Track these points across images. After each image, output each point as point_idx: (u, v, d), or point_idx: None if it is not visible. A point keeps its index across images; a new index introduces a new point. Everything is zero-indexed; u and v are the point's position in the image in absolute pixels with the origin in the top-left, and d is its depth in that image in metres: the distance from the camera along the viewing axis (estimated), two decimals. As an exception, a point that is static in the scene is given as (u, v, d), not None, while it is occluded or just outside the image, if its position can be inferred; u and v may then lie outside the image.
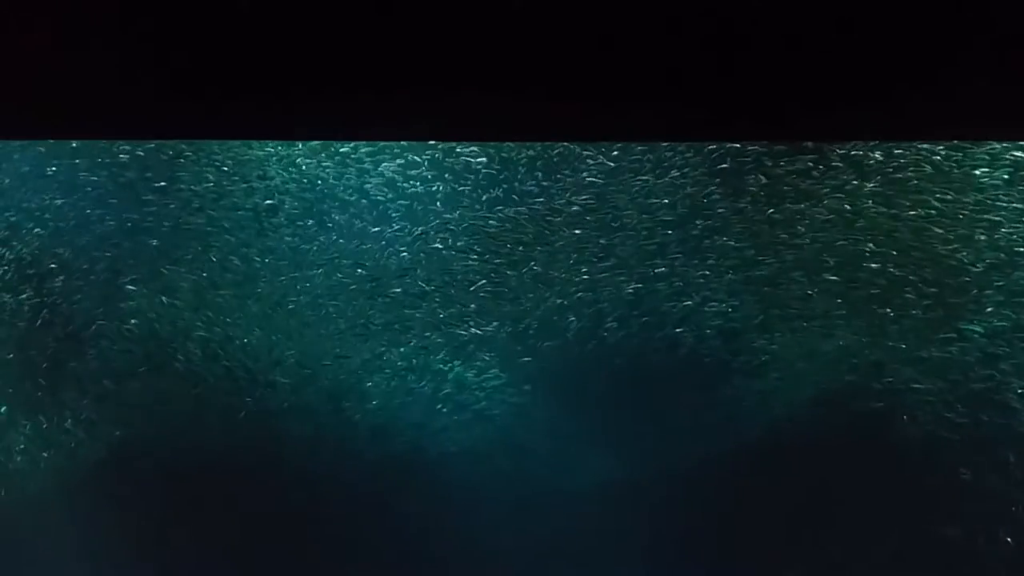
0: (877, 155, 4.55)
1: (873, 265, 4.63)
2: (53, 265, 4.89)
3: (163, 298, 4.85)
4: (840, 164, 4.61)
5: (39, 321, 4.89)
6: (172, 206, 4.89)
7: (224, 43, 2.28)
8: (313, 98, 2.37)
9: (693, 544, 4.66)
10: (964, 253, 4.63)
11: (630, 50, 2.24)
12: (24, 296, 4.86)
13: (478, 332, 4.81)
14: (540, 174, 4.76)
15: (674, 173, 4.65)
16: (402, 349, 4.84)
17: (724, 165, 4.62)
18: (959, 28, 2.15)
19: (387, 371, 4.83)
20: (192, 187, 4.90)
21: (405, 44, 2.27)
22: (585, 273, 4.72)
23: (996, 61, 2.16)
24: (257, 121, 2.53)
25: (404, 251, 4.82)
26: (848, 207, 4.64)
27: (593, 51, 2.28)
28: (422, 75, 2.32)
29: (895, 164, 4.60)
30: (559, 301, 4.75)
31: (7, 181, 4.88)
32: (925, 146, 4.52)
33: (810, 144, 4.49)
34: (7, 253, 4.88)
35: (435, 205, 4.79)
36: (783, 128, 2.54)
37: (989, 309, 4.59)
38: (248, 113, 2.42)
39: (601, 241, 4.74)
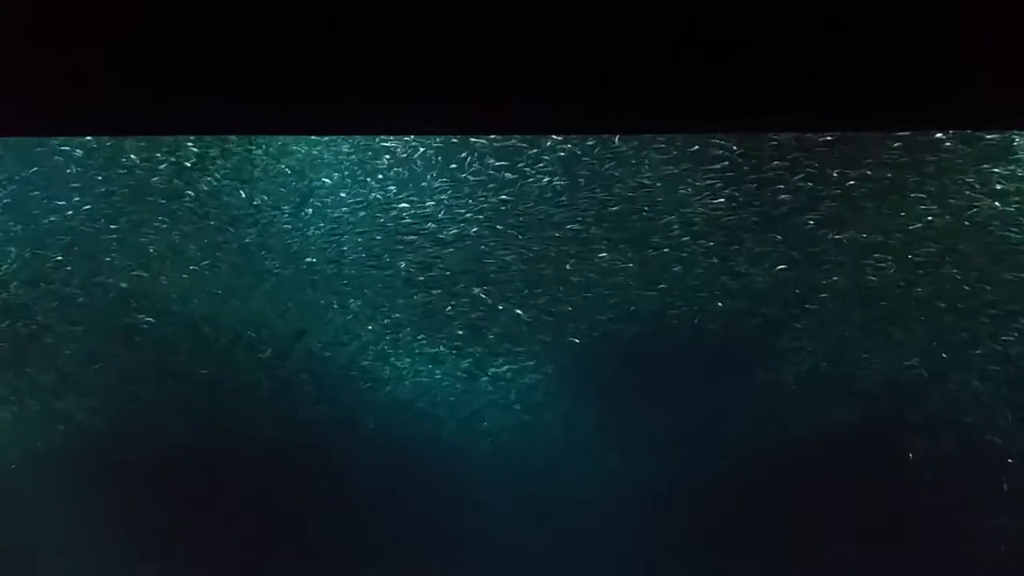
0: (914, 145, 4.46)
1: (916, 260, 4.55)
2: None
3: (169, 278, 4.84)
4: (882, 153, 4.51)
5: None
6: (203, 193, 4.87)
7: (221, 38, 2.27)
8: (312, 93, 2.37)
9: (729, 545, 4.66)
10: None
11: (634, 43, 2.24)
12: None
13: (507, 327, 4.79)
14: (570, 166, 4.74)
15: (708, 164, 4.61)
16: (424, 342, 4.83)
17: (767, 156, 4.55)
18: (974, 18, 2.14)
19: (408, 363, 4.84)
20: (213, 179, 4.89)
21: (408, 40, 2.27)
22: (616, 268, 4.70)
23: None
24: (254, 117, 2.53)
25: (433, 243, 4.80)
26: (893, 197, 4.55)
27: (599, 43, 2.28)
28: (424, 71, 2.32)
29: (944, 153, 4.48)
30: (590, 295, 4.73)
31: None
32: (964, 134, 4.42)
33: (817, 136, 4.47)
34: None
35: (462, 197, 4.77)
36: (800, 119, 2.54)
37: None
38: (245, 109, 2.42)
39: (634, 234, 4.70)
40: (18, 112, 2.46)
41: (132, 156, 4.92)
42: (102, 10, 2.24)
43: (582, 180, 4.75)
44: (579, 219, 4.76)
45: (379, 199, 4.84)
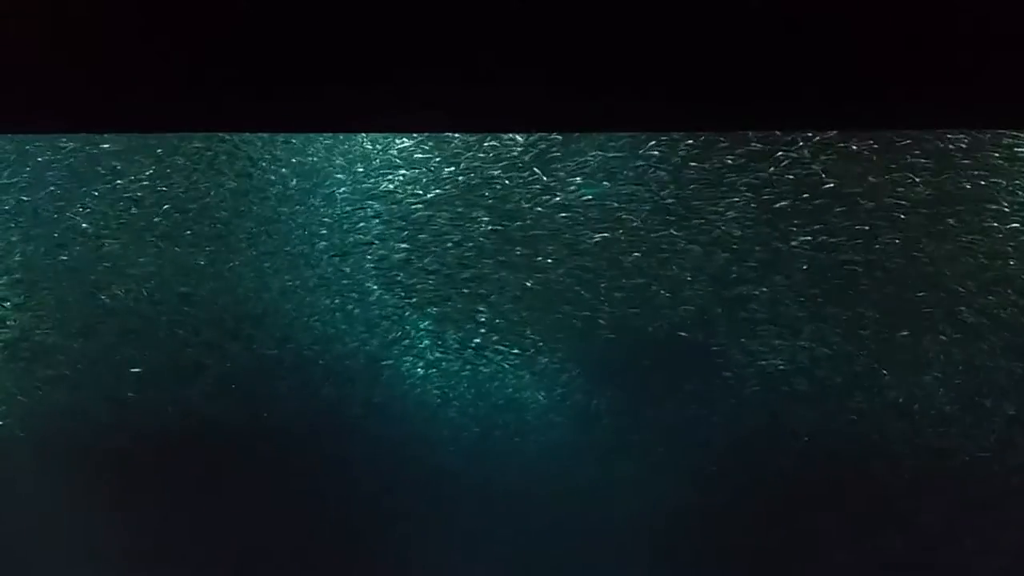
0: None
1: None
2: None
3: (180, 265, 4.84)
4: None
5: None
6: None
7: (218, 34, 2.26)
8: (308, 90, 2.35)
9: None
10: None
11: (633, 38, 2.21)
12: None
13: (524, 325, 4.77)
14: (597, 165, 4.70)
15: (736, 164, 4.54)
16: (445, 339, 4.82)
17: (791, 155, 4.45)
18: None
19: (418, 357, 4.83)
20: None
21: (404, 34, 2.24)
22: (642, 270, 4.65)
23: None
24: (250, 114, 2.51)
25: (458, 240, 4.77)
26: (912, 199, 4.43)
27: (603, 38, 2.25)
28: (423, 66, 2.29)
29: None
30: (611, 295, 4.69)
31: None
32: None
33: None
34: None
35: (485, 194, 4.74)
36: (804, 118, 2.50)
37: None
38: (242, 106, 2.40)
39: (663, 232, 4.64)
40: (21, 110, 2.45)
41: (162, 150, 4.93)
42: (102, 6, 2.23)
43: (616, 179, 4.69)
44: (607, 219, 4.70)
45: (401, 194, 4.82)
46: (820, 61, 2.18)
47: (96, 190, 4.95)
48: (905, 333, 4.56)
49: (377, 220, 4.89)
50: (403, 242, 4.90)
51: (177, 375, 4.93)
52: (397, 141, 4.91)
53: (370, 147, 4.93)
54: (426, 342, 4.88)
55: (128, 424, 4.91)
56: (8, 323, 4.82)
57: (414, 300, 4.88)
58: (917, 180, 4.42)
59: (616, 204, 4.78)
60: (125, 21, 2.26)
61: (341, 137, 4.85)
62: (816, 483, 4.59)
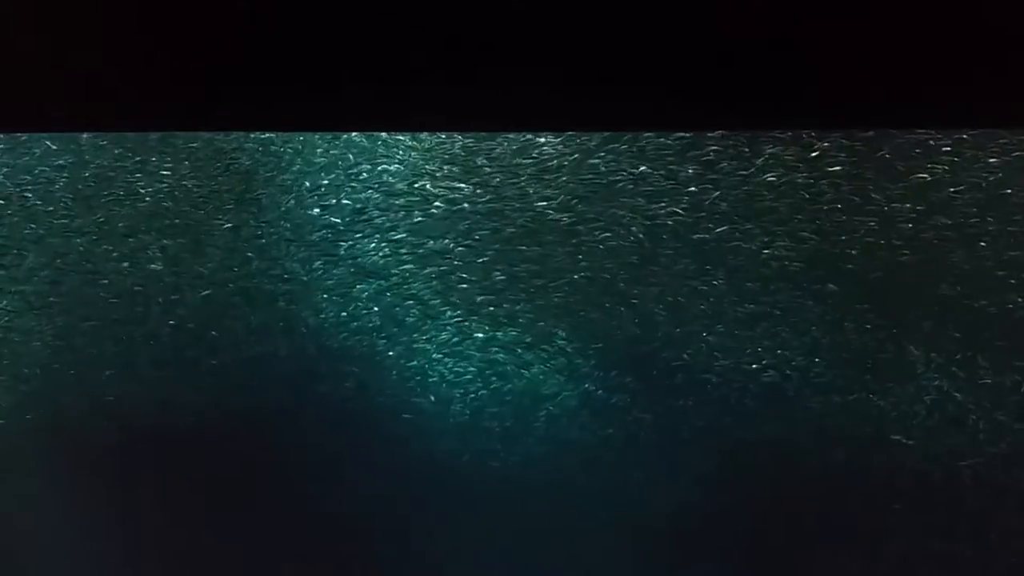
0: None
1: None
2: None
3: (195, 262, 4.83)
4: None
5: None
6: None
7: (221, 32, 2.26)
8: (309, 90, 2.35)
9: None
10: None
11: (634, 39, 2.21)
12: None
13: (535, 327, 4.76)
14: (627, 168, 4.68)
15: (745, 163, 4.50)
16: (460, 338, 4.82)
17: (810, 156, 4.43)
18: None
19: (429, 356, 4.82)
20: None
21: (405, 34, 2.25)
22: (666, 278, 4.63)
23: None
24: (255, 113, 2.51)
25: (476, 238, 4.76)
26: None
27: (605, 36, 2.26)
28: (424, 66, 2.29)
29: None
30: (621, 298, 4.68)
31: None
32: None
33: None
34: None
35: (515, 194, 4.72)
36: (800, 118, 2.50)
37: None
38: (242, 106, 2.41)
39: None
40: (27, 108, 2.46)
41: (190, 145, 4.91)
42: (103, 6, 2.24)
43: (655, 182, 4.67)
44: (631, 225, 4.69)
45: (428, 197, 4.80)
46: (821, 61, 2.18)
47: (107, 191, 4.97)
48: (920, 340, 4.58)
49: (403, 217, 4.90)
50: (433, 240, 4.92)
51: (186, 373, 4.95)
52: (426, 138, 4.93)
53: (397, 145, 4.94)
54: (445, 337, 4.89)
55: (133, 424, 4.93)
56: (14, 323, 4.85)
57: (439, 298, 4.89)
58: (934, 180, 4.43)
59: (647, 204, 4.79)
60: (125, 21, 2.26)
61: (372, 134, 4.86)
62: (825, 485, 4.61)
